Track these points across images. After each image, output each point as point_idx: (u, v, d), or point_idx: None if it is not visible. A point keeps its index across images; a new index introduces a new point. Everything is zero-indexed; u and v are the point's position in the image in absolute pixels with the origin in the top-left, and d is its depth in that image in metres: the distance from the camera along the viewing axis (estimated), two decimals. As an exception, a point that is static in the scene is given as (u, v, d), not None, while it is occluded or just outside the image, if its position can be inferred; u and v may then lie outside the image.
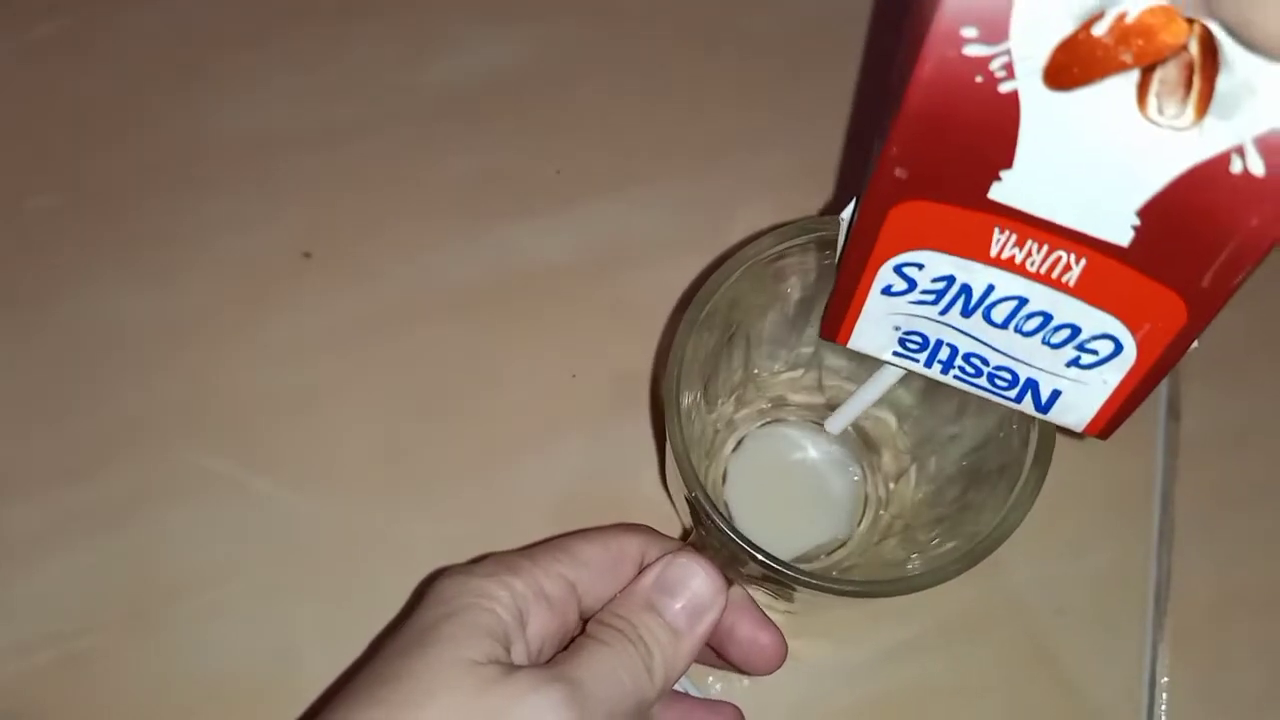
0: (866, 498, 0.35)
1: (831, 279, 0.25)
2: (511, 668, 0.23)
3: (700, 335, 0.28)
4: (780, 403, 0.36)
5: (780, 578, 0.25)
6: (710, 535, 0.26)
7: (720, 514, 0.26)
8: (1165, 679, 0.35)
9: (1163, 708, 0.35)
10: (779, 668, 0.28)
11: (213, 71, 0.43)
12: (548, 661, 0.25)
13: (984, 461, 0.30)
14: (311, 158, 0.42)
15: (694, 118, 0.43)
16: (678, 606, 0.26)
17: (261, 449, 0.37)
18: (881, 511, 0.35)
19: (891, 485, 0.35)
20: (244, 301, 0.39)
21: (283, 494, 0.36)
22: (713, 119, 0.43)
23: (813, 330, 0.34)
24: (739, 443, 0.36)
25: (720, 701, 0.30)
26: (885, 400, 0.35)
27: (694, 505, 0.26)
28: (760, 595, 0.33)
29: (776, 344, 0.34)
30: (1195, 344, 0.23)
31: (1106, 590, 0.36)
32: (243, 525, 0.36)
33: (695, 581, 0.26)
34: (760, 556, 0.25)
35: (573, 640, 0.26)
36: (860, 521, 0.34)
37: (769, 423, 0.36)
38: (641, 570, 0.27)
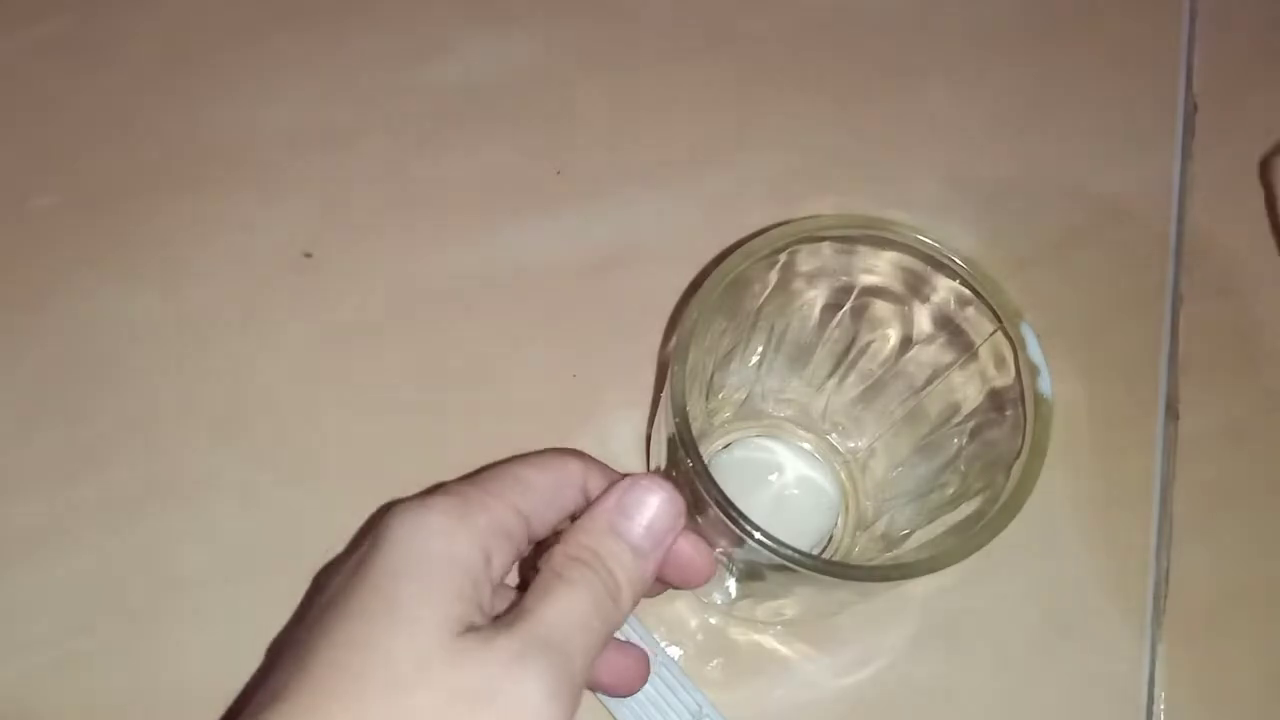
0: (831, 538, 0.35)
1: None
2: (489, 634, 0.22)
3: (728, 297, 0.28)
4: (778, 423, 0.36)
5: (734, 524, 0.25)
6: (680, 473, 0.26)
7: (697, 451, 0.26)
8: (1165, 679, 0.35)
9: (1162, 707, 0.35)
10: (709, 580, 0.28)
11: (213, 71, 0.43)
12: (515, 599, 0.24)
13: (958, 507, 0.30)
14: (311, 158, 0.42)
15: (694, 118, 0.43)
16: (640, 529, 0.25)
17: (262, 448, 0.37)
18: (847, 541, 0.35)
19: (860, 533, 0.35)
20: (244, 301, 0.39)
21: (283, 493, 0.36)
22: (713, 119, 0.43)
23: (826, 354, 0.34)
24: (725, 446, 0.36)
25: (628, 644, 0.30)
26: (880, 447, 0.35)
27: (674, 438, 0.26)
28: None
29: (792, 358, 0.35)
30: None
31: (1106, 590, 0.37)
32: (243, 525, 0.36)
33: (655, 501, 0.26)
34: (719, 498, 0.25)
35: (533, 569, 0.25)
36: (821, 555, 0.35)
37: (761, 435, 0.36)
38: (593, 498, 0.26)
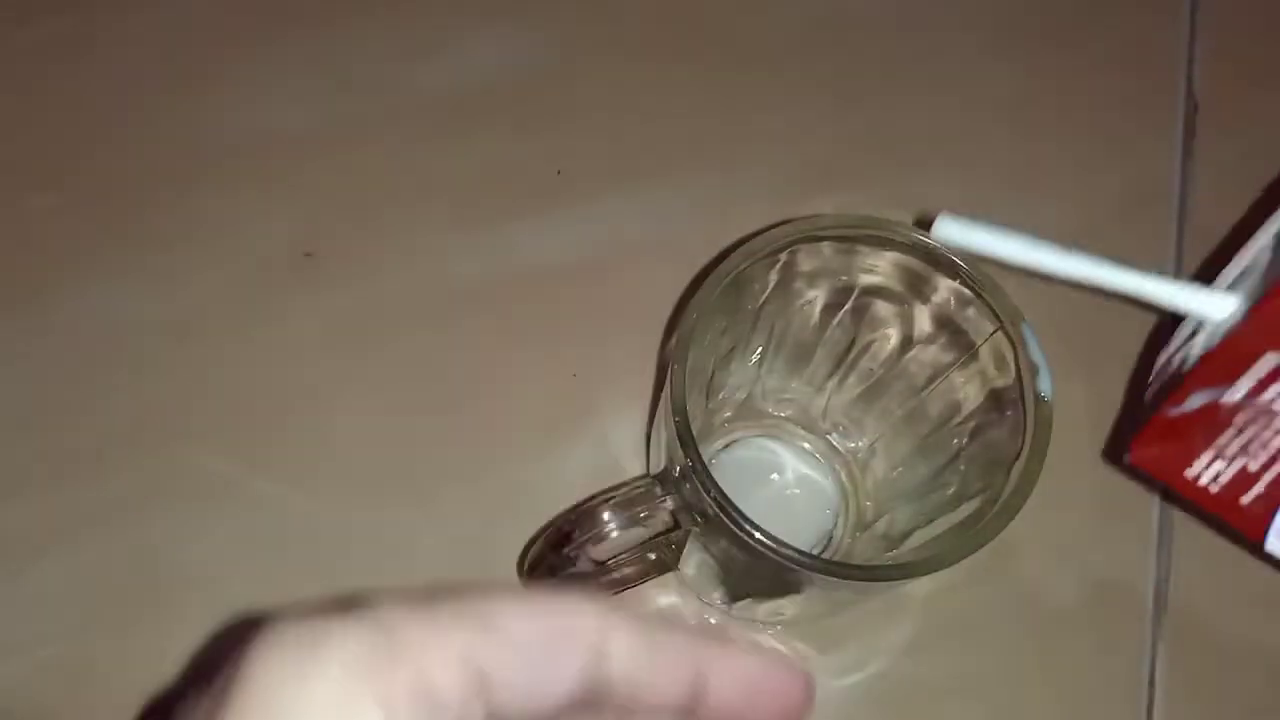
0: (831, 538, 0.35)
1: None
2: None
3: (731, 292, 0.28)
4: (778, 423, 0.36)
5: (734, 524, 0.25)
6: (680, 473, 0.26)
7: (697, 451, 0.25)
8: (1165, 679, 0.35)
9: (1161, 708, 0.35)
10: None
11: (213, 71, 0.43)
12: None
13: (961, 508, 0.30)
14: (311, 158, 0.42)
15: (694, 118, 0.43)
16: None
17: (261, 449, 0.37)
18: (847, 541, 0.35)
19: (860, 533, 0.35)
20: (244, 301, 0.39)
21: (282, 493, 0.36)
22: (713, 119, 0.43)
23: (826, 354, 0.34)
24: (725, 446, 0.36)
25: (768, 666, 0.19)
26: (881, 447, 0.35)
27: (674, 438, 0.26)
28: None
29: (792, 357, 0.35)
30: None
31: (1105, 591, 0.37)
32: (242, 525, 0.36)
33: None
34: (719, 498, 0.25)
35: None
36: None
37: (761, 435, 0.36)
38: (619, 680, 0.17)
